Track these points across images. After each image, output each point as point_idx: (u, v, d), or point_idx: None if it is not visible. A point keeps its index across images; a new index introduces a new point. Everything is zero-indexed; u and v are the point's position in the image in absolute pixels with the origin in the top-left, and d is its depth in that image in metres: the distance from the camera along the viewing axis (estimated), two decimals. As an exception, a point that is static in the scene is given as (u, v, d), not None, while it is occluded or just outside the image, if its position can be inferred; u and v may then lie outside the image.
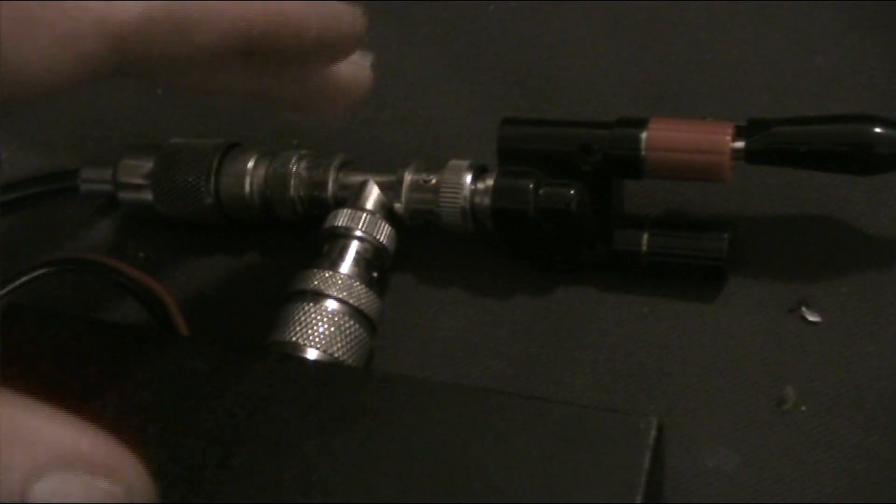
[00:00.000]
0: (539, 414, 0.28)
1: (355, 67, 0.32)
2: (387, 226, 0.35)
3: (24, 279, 0.37)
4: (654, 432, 0.27)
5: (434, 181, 0.35)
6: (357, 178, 0.36)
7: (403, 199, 0.35)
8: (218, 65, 0.27)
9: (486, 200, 0.34)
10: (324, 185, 0.36)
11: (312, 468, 0.28)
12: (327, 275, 0.34)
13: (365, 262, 0.35)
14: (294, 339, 0.33)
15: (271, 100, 0.32)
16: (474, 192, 0.35)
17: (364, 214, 0.35)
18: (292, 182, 0.37)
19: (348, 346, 0.33)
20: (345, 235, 0.35)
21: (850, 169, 0.32)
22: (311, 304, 0.33)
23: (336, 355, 0.33)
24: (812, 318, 0.33)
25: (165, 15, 0.25)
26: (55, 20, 0.23)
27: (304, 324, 0.33)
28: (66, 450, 0.23)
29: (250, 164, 0.37)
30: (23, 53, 0.23)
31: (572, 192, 0.34)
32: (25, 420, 0.23)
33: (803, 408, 0.32)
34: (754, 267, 0.34)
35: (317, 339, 0.33)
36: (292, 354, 0.32)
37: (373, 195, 0.36)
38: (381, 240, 0.35)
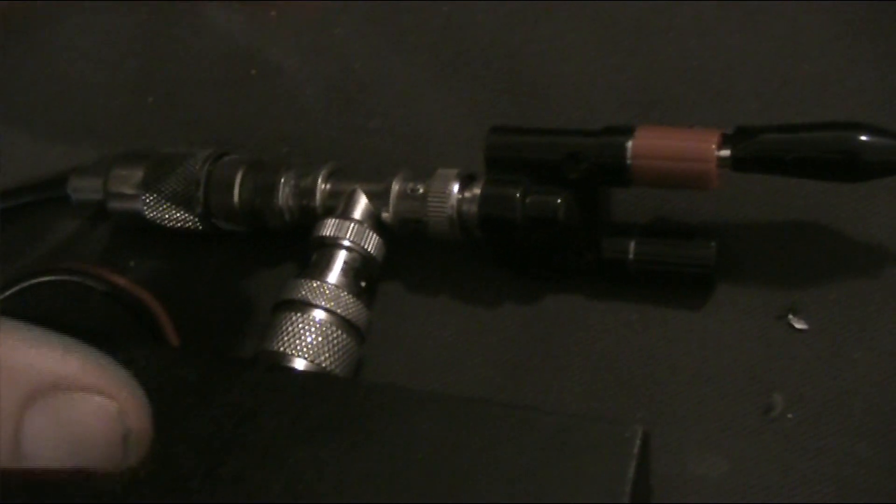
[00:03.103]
0: (524, 423, 0.28)
1: None
2: (375, 235, 0.35)
3: (14, 289, 0.37)
4: (639, 441, 0.27)
5: (422, 190, 0.35)
6: (345, 187, 0.36)
7: (391, 208, 0.36)
8: None
9: (474, 209, 0.34)
10: (312, 194, 0.37)
11: (300, 478, 0.28)
12: (315, 284, 0.34)
13: (353, 272, 0.35)
14: (282, 348, 0.33)
15: None
16: (462, 200, 0.35)
17: (352, 224, 0.35)
18: (281, 191, 0.37)
19: (336, 355, 0.33)
20: (333, 245, 0.35)
21: (837, 176, 0.32)
22: (299, 314, 0.33)
23: (323, 365, 0.33)
24: (799, 325, 0.33)
25: None
26: None
27: (291, 334, 0.33)
28: (55, 373, 0.23)
29: (239, 174, 0.37)
30: None
31: (559, 200, 0.34)
32: (10, 348, 0.23)
33: (790, 415, 0.32)
34: (742, 274, 0.34)
35: (304, 349, 0.33)
36: (280, 364, 0.32)
37: (361, 204, 0.36)
38: (369, 249, 0.35)
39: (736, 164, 0.32)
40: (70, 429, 0.23)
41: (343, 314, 0.33)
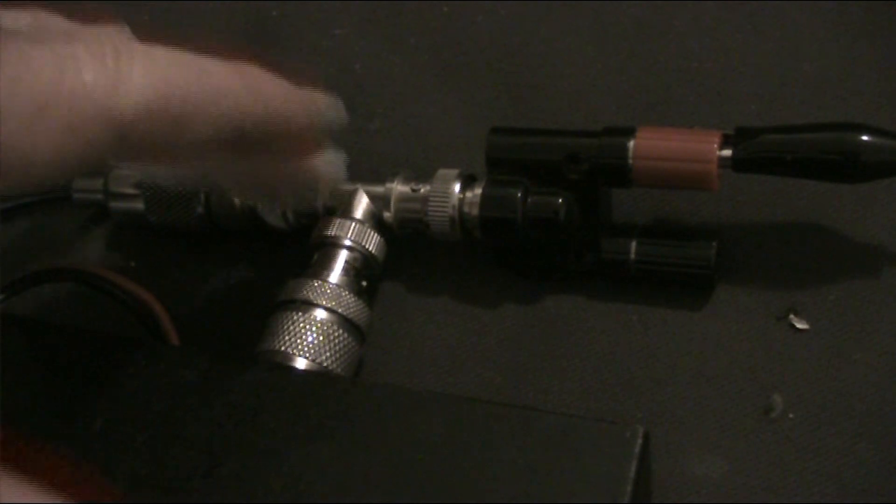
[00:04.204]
0: (525, 423, 0.28)
1: (329, 162, 0.34)
2: (376, 235, 0.35)
3: (15, 288, 0.37)
4: (640, 441, 0.27)
5: (423, 190, 0.35)
6: (346, 188, 0.36)
7: (392, 208, 0.36)
8: (209, 154, 0.29)
9: (475, 209, 0.34)
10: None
11: (300, 477, 0.28)
12: (316, 284, 0.34)
13: (354, 272, 0.35)
14: (283, 348, 0.33)
15: (249, 188, 0.35)
16: (462, 201, 0.35)
17: (353, 224, 0.35)
18: (282, 191, 0.37)
19: (337, 355, 0.33)
20: (334, 244, 0.35)
21: (837, 177, 0.32)
22: (300, 314, 0.33)
23: (325, 364, 0.33)
24: (800, 325, 0.33)
25: (164, 105, 0.26)
26: (65, 112, 0.24)
27: (292, 333, 0.33)
28: None
29: (240, 174, 0.37)
30: (35, 144, 0.24)
31: (560, 200, 0.34)
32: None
33: (791, 415, 0.32)
34: (742, 275, 0.34)
35: (305, 349, 0.33)
36: (281, 364, 0.32)
37: (362, 204, 0.36)
38: (370, 249, 0.35)
39: (736, 164, 0.33)
40: None
41: (344, 313, 0.34)
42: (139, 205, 0.39)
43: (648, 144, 0.33)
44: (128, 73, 0.25)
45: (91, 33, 0.27)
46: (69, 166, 0.25)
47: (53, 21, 0.28)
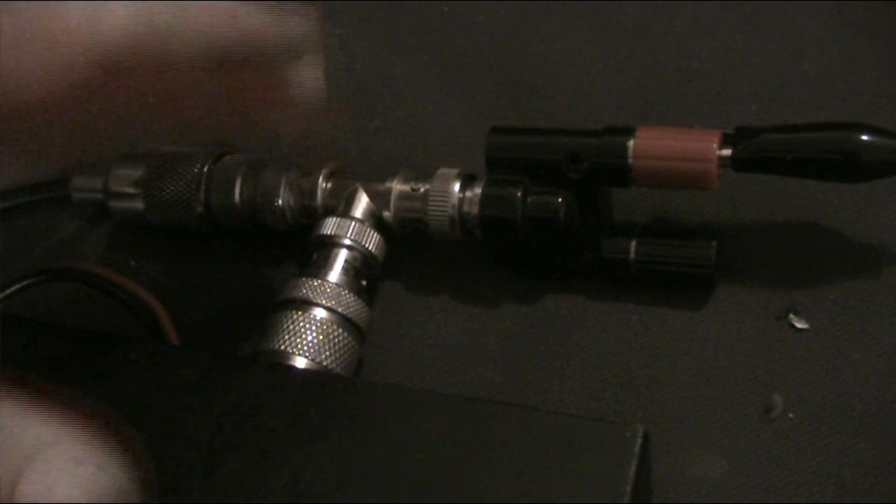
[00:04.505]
0: (525, 423, 0.28)
1: (307, 72, 0.33)
2: (376, 234, 0.35)
3: (14, 288, 0.37)
4: (639, 440, 0.27)
5: (423, 190, 0.35)
6: (346, 186, 0.36)
7: (392, 207, 0.36)
8: (192, 75, 0.29)
9: (475, 209, 0.34)
10: (313, 193, 0.37)
11: (300, 477, 0.28)
12: (316, 283, 0.34)
13: (354, 271, 0.35)
14: (283, 347, 0.33)
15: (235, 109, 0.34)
16: (462, 200, 0.35)
17: (353, 223, 0.35)
18: (282, 190, 0.37)
19: (337, 354, 0.33)
20: (333, 244, 0.35)
21: (837, 176, 0.32)
22: (300, 313, 0.33)
23: (324, 364, 0.33)
24: (800, 325, 0.33)
25: (147, 28, 0.27)
26: (50, 41, 0.25)
27: (292, 332, 0.33)
28: (50, 440, 0.25)
29: (240, 173, 0.37)
30: (19, 58, 0.25)
31: (560, 200, 0.34)
32: (8, 416, 0.25)
33: (791, 415, 0.32)
34: (742, 274, 0.34)
35: (305, 348, 0.33)
36: (280, 363, 0.32)
37: (362, 203, 0.36)
38: (369, 248, 0.35)
39: (736, 164, 0.33)
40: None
41: (344, 313, 0.34)
42: (139, 204, 0.39)
43: (648, 144, 0.33)
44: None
45: None
46: (58, 85, 0.26)
47: None
